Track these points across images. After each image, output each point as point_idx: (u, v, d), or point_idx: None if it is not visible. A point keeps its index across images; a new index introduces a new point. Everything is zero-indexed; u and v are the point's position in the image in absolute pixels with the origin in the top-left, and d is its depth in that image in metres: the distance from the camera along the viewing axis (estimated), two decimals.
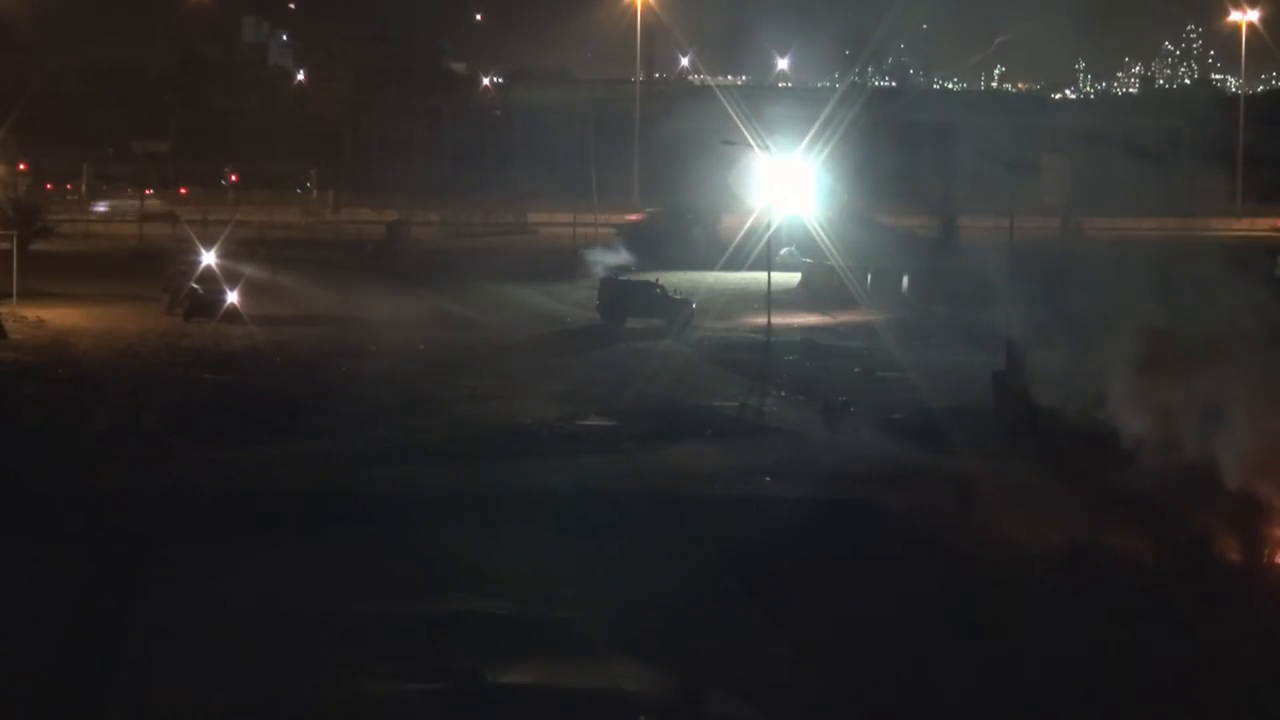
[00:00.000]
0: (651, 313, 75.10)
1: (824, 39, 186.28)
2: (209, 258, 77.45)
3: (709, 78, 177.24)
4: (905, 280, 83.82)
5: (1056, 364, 45.75)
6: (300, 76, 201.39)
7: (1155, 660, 30.02)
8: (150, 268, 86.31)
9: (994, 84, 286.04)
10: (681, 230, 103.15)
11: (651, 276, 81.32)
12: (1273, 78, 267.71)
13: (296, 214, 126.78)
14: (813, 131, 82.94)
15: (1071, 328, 45.56)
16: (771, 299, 69.15)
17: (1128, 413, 42.11)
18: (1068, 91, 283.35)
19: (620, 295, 76.64)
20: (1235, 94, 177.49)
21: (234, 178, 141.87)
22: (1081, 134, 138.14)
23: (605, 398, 56.36)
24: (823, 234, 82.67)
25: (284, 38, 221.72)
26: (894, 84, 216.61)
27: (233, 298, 74.84)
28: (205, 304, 74.54)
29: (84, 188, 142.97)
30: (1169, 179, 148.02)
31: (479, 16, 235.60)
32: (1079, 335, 45.15)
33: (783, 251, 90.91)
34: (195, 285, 75.64)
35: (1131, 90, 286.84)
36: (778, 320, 70.00)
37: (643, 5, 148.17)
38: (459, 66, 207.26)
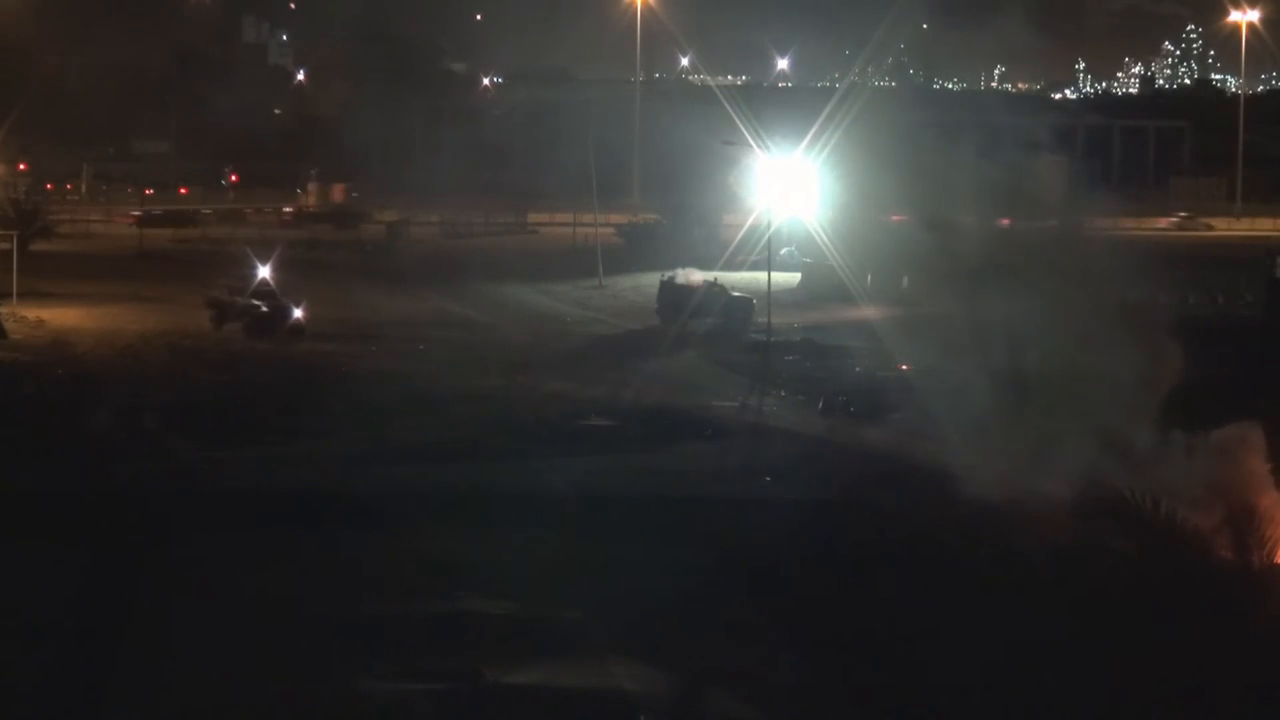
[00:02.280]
0: (710, 311, 74.72)
1: (824, 39, 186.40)
2: (264, 271, 73.25)
3: (709, 78, 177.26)
4: (905, 280, 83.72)
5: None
6: (300, 76, 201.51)
7: (1144, 653, 30.02)
8: (152, 268, 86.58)
9: (994, 84, 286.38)
10: (682, 230, 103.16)
11: (710, 275, 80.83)
12: (1273, 78, 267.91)
13: None
14: (813, 131, 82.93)
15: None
16: (771, 299, 69.15)
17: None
18: (1068, 91, 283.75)
19: (680, 296, 76.16)
20: (1235, 94, 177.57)
21: (234, 178, 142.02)
22: (1092, 134, 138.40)
23: (605, 398, 56.36)
24: (823, 234, 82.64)
25: (284, 38, 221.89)
26: (894, 84, 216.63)
27: (298, 313, 71.01)
28: (267, 321, 70.40)
29: (84, 188, 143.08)
30: (1169, 179, 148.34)
31: (479, 16, 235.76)
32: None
33: (783, 251, 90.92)
34: (255, 302, 71.45)
35: (1131, 90, 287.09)
36: (778, 320, 70.02)
37: (643, 5, 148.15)
38: (459, 66, 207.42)
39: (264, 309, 71.05)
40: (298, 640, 30.82)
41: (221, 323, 71.72)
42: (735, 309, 74.23)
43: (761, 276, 74.07)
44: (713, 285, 77.00)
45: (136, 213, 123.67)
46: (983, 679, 29.25)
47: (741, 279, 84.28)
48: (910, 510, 40.70)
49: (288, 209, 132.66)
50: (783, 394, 58.39)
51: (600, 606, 32.83)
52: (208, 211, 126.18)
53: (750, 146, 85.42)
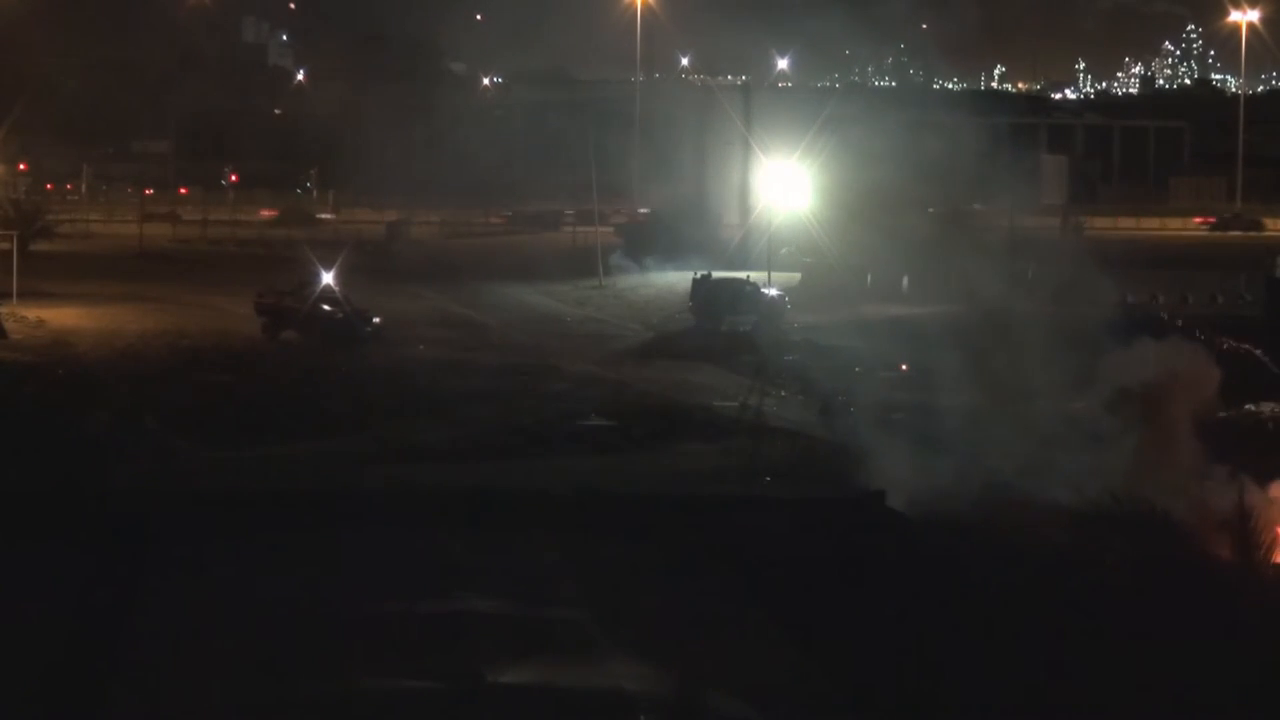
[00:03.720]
0: (745, 310, 74.64)
1: (824, 39, 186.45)
2: (327, 277, 70.10)
3: (708, 78, 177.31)
4: (905, 280, 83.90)
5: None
6: (300, 76, 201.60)
7: (1142, 656, 30.03)
8: (152, 268, 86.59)
9: (994, 84, 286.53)
10: (681, 230, 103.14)
11: (743, 274, 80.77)
12: (1273, 78, 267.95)
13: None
14: (813, 131, 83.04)
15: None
16: None
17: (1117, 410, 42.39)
18: (1068, 91, 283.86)
19: (714, 295, 76.14)
20: (1235, 94, 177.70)
21: (234, 178, 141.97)
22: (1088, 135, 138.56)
23: (605, 398, 56.37)
24: (823, 234, 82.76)
25: (284, 38, 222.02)
26: (893, 84, 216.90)
27: (376, 320, 69.24)
28: (344, 327, 67.83)
29: (84, 188, 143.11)
30: (1169, 179, 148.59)
31: (479, 16, 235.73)
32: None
33: (783, 251, 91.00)
34: (327, 308, 68.66)
35: (1131, 90, 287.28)
36: None
37: (642, 5, 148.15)
38: (459, 66, 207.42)
39: (339, 315, 68.30)
40: (298, 640, 30.82)
41: (277, 330, 68.67)
42: (769, 306, 74.22)
43: (760, 276, 74.16)
44: (746, 283, 76.91)
45: (507, 213, 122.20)
46: (982, 679, 29.25)
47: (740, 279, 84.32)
48: (910, 510, 40.71)
49: (640, 209, 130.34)
50: (783, 394, 58.40)
51: (600, 606, 32.83)
52: (570, 213, 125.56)
53: (750, 146, 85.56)
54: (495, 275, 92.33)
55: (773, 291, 75.83)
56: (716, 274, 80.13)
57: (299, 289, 70.24)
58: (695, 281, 78.74)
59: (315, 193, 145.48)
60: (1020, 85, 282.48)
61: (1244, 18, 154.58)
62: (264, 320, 69.23)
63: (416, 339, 69.70)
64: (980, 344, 60.02)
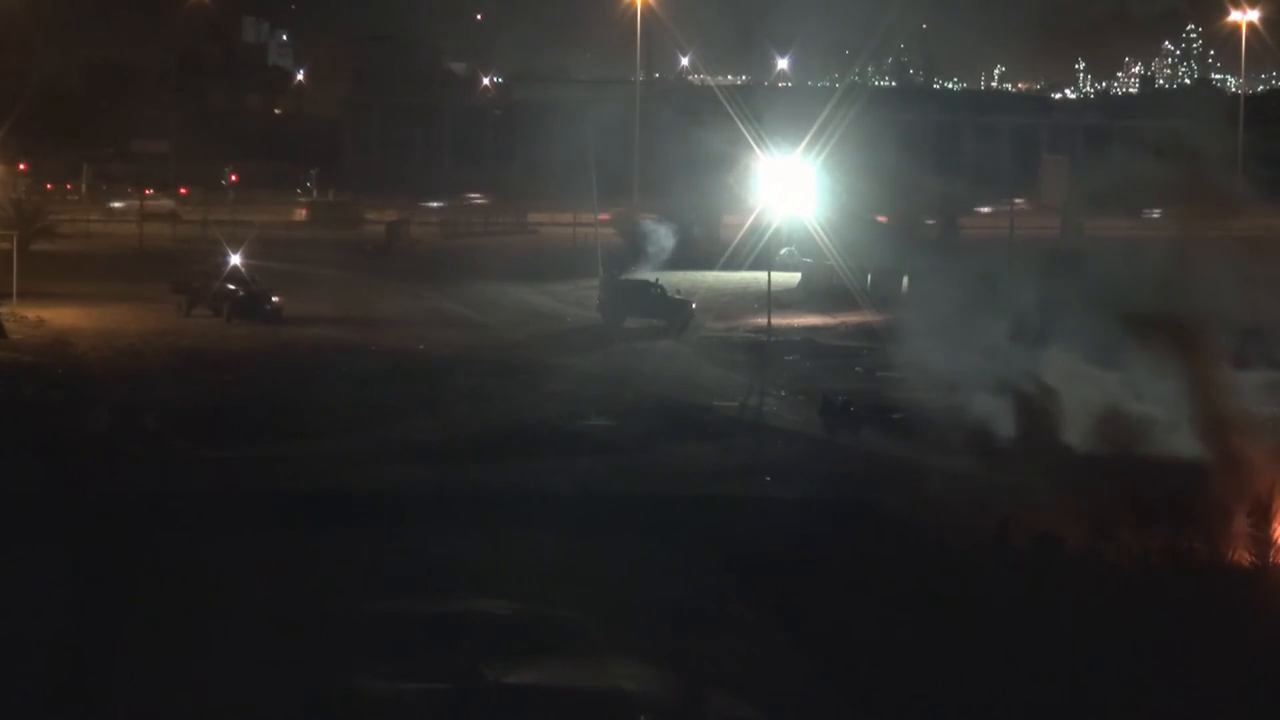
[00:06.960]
0: (651, 313, 75.16)
1: (824, 39, 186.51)
2: (236, 259, 76.69)
3: (709, 77, 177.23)
4: (905, 280, 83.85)
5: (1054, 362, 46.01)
6: (300, 76, 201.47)
7: (1136, 654, 30.03)
8: (154, 267, 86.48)
9: (994, 83, 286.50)
10: (682, 230, 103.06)
11: (652, 276, 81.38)
12: (1273, 78, 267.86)
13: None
14: (813, 131, 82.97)
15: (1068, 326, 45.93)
16: (771, 299, 69.27)
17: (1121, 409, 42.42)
18: (1068, 91, 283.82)
19: (620, 295, 76.78)
20: (1235, 94, 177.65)
21: (234, 178, 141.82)
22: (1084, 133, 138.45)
23: (605, 398, 56.36)
24: (823, 234, 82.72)
25: (284, 38, 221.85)
26: (894, 84, 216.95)
27: (275, 299, 74.53)
28: (247, 305, 73.70)
29: (84, 188, 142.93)
30: (1169, 179, 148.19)
31: (479, 16, 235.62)
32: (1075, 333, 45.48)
33: (783, 251, 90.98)
34: (232, 286, 74.68)
35: (1131, 90, 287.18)
36: (778, 320, 70.12)
37: (643, 5, 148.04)
38: (459, 66, 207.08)
39: (241, 293, 74.30)
40: (298, 640, 30.83)
41: (191, 308, 74.46)
42: (676, 310, 74.70)
43: (759, 276, 74.12)
44: (653, 285, 77.45)
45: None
46: (985, 679, 29.23)
47: (740, 279, 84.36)
48: (911, 510, 40.73)
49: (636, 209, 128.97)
50: (783, 394, 58.42)
51: (600, 606, 32.85)
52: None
53: (750, 146, 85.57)
54: (495, 275, 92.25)
55: (680, 295, 76.16)
56: (624, 275, 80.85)
57: (211, 270, 76.61)
58: (602, 281, 79.40)
59: (315, 192, 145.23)
60: (1020, 85, 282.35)
61: (1244, 18, 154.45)
62: (180, 299, 75.15)
63: (416, 339, 69.72)
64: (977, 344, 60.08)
